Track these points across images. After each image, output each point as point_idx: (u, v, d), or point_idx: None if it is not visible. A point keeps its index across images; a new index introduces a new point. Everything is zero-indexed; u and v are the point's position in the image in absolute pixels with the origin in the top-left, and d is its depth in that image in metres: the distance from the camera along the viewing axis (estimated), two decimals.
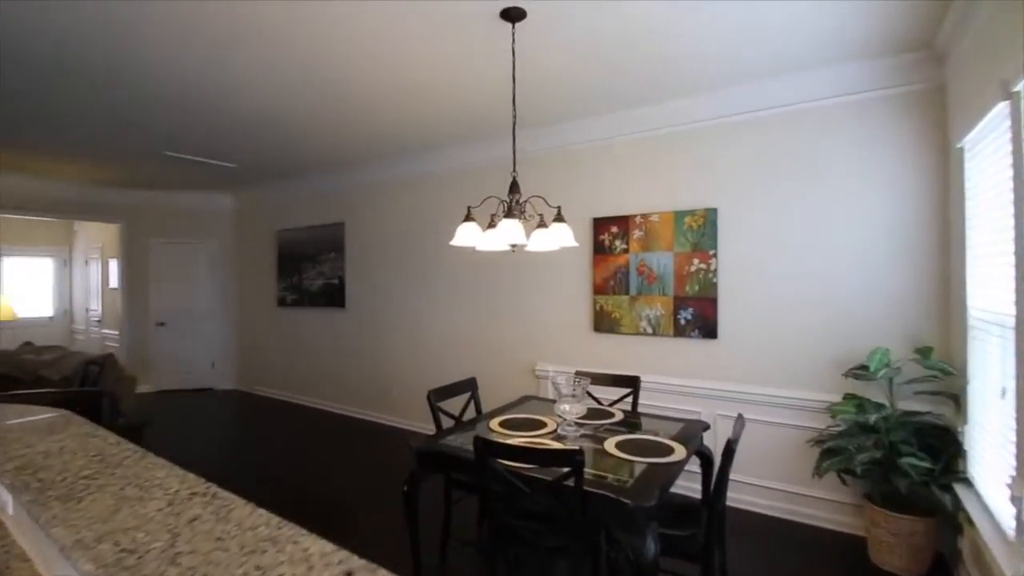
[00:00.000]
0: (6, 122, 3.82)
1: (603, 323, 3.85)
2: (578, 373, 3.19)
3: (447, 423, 2.75)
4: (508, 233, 2.22)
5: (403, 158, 4.92)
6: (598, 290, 3.88)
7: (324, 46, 2.65)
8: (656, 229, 3.62)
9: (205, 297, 6.88)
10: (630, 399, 3.04)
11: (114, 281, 6.82)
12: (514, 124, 2.43)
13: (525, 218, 2.42)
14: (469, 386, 3.08)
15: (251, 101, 3.44)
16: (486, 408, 3.11)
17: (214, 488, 1.03)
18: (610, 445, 2.25)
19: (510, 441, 2.28)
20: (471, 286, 4.60)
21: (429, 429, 4.45)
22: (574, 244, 2.44)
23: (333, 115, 3.74)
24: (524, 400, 3.11)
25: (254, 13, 2.32)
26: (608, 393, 3.18)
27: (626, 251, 3.74)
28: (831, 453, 2.72)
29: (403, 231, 5.11)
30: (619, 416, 2.73)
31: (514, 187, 2.43)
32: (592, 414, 2.71)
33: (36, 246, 7.67)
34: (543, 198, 2.50)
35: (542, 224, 2.50)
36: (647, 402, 3.46)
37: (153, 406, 6.05)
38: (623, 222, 3.75)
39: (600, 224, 3.86)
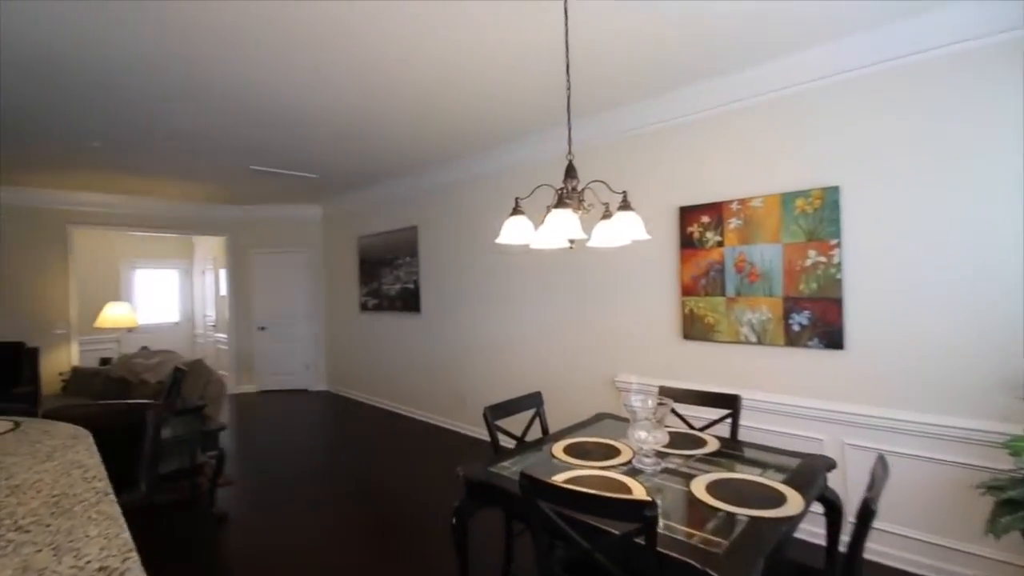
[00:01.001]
0: (124, 150, 4.17)
1: (694, 329, 3.31)
2: (662, 391, 2.72)
3: (508, 443, 2.42)
4: (559, 226, 1.84)
5: (471, 155, 4.70)
6: (687, 291, 3.33)
7: (393, 44, 2.46)
8: (758, 216, 3.01)
9: (300, 303, 7.24)
10: (728, 423, 2.50)
11: (223, 289, 7.41)
12: (568, 92, 2.04)
13: (584, 208, 2.03)
14: (533, 401, 2.73)
15: (326, 110, 3.46)
16: (556, 426, 2.74)
17: (128, 565, 0.79)
18: (699, 487, 1.78)
19: (572, 474, 1.90)
20: (544, 289, 4.25)
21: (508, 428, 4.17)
22: (645, 237, 2.00)
23: (404, 116, 3.63)
24: (598, 419, 2.70)
25: (325, 15, 2.19)
26: (699, 412, 2.66)
27: (720, 244, 3.17)
28: (1014, 506, 1.98)
29: (472, 233, 4.90)
30: (713, 445, 2.23)
31: (570, 172, 2.04)
32: (678, 440, 2.24)
33: (163, 259, 8.62)
34: (604, 183, 2.08)
35: (608, 215, 2.09)
36: (750, 425, 2.87)
37: (254, 405, 6.46)
38: (715, 210, 3.19)
39: (688, 214, 3.32)
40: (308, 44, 2.56)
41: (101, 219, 6.09)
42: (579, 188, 2.08)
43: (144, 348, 5.38)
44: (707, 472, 1.93)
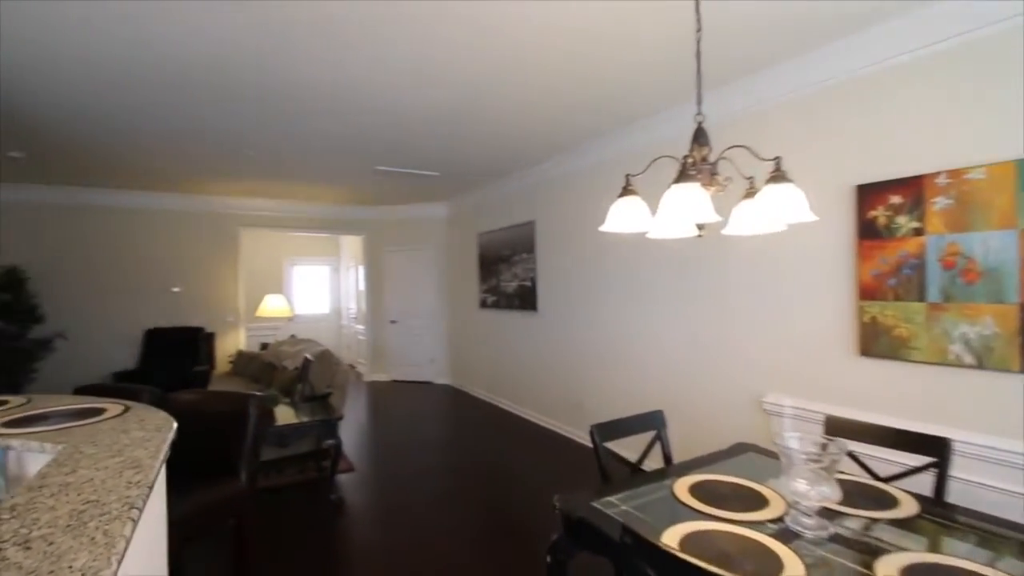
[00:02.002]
0: (272, 157, 4.60)
1: (877, 343, 2.55)
2: (830, 424, 2.09)
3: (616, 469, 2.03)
4: (684, 206, 1.41)
5: (589, 141, 4.31)
6: (867, 293, 2.58)
7: (513, 27, 2.25)
8: (978, 193, 2.18)
9: (426, 298, 7.50)
10: (930, 475, 1.81)
11: (362, 284, 8.00)
12: (698, 17, 1.58)
13: (719, 184, 1.56)
14: (653, 422, 2.29)
15: (445, 107, 3.43)
16: (683, 454, 2.27)
17: None
18: (889, 570, 1.22)
19: (698, 526, 1.46)
20: (674, 288, 3.70)
21: (620, 450, 3.74)
22: (809, 218, 1.47)
23: (521, 104, 3.44)
24: (738, 451, 2.17)
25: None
26: (883, 454, 1.99)
27: (919, 231, 2.38)
28: None
29: (590, 225, 4.50)
30: (909, 506, 1.60)
31: (699, 137, 1.59)
32: (854, 493, 1.65)
33: (316, 256, 9.63)
34: (748, 148, 1.58)
35: (752, 192, 1.60)
36: (964, 478, 2.09)
37: (384, 393, 6.83)
38: (911, 187, 2.40)
39: (869, 194, 2.57)
40: (431, 38, 2.43)
41: (265, 221, 6.92)
42: (711, 158, 1.62)
43: (292, 336, 5.96)
44: (900, 548, 1.35)
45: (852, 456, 1.91)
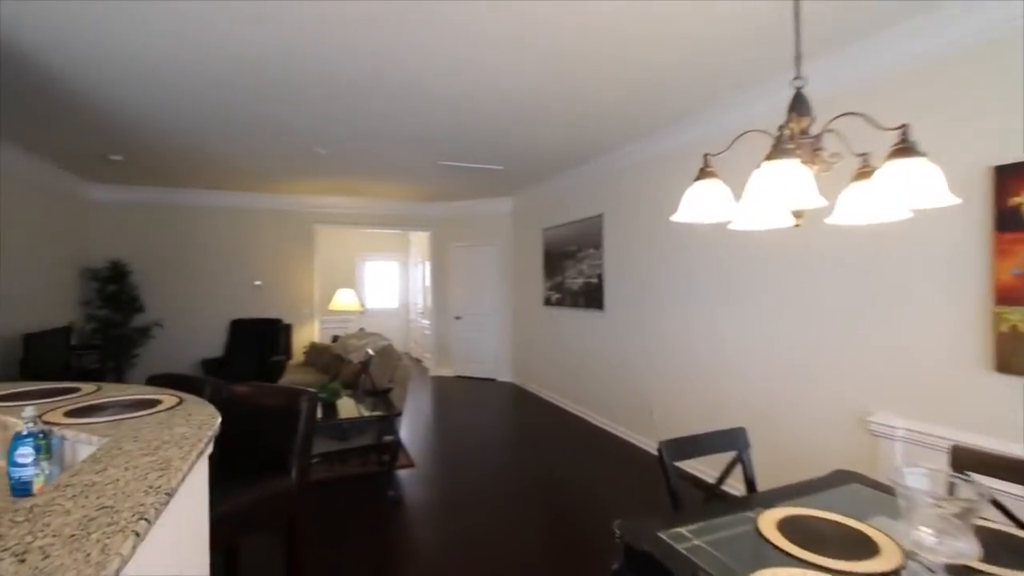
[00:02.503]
0: (341, 154, 4.71)
1: (1017, 357, 2.08)
2: (958, 455, 1.72)
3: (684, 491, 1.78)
4: (779, 187, 1.15)
5: (665, 126, 3.99)
6: (1006, 296, 2.12)
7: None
8: None
9: (490, 295, 7.44)
10: None
11: (428, 280, 8.10)
12: None
13: (824, 161, 1.28)
14: (734, 441, 2.01)
15: (510, 96, 3.32)
16: (769, 480, 1.98)
17: None
18: None
19: (791, 574, 1.20)
20: (760, 286, 3.32)
21: (694, 471, 3.42)
22: (948, 200, 1.16)
23: (589, 92, 3.25)
24: (839, 479, 1.84)
25: None
26: None
27: None
28: None
29: (662, 218, 4.18)
30: None
31: (798, 105, 1.32)
32: (996, 549, 1.31)
33: (386, 252, 9.90)
34: (865, 116, 1.28)
35: (867, 172, 1.30)
36: None
37: (448, 389, 6.86)
38: None
39: (1011, 176, 2.10)
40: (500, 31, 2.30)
41: (337, 218, 7.17)
42: (812, 130, 1.34)
43: (361, 330, 6.10)
44: None
45: (999, 505, 1.53)
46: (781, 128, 1.32)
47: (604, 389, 5.03)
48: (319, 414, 3.35)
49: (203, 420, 1.52)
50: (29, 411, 1.41)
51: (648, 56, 2.77)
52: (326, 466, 3.94)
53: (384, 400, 3.77)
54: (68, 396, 1.83)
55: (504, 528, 3.03)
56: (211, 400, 2.30)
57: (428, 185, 6.29)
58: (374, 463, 3.86)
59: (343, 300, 7.37)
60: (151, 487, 1.04)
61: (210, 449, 1.51)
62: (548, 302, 6.18)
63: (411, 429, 5.01)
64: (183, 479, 1.14)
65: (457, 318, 7.62)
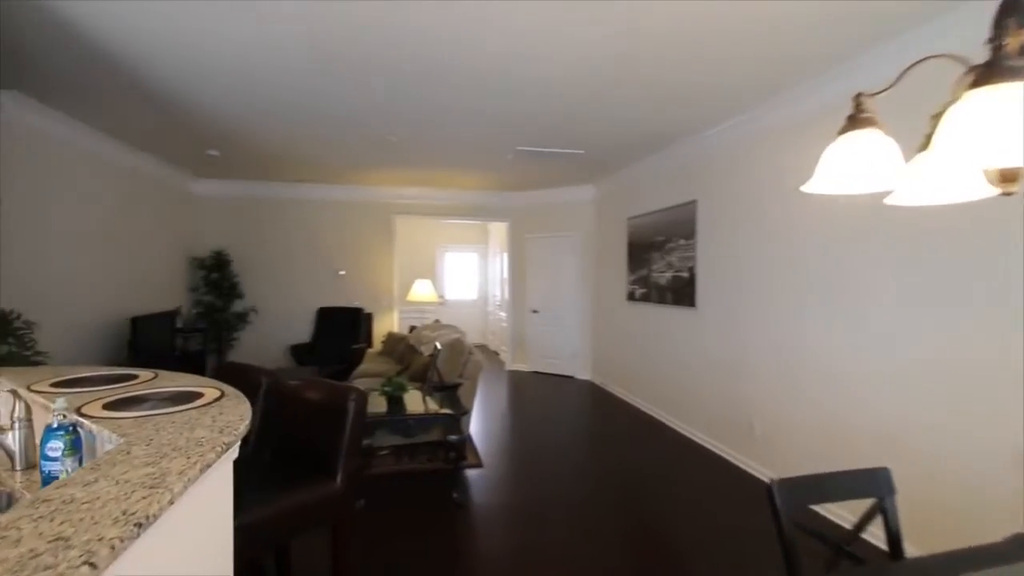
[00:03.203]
0: (414, 141, 4.61)
1: None
2: None
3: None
4: (989, 127, 0.72)
5: (774, 96, 3.39)
6: None
7: None
8: None
9: (568, 288, 7.09)
10: None
11: (506, 272, 7.91)
12: None
13: None
14: (872, 485, 1.53)
15: (591, 71, 3.01)
16: (923, 539, 1.49)
17: None
18: None
19: None
20: (904, 279, 2.69)
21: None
22: None
23: (681, 63, 2.84)
24: (1020, 546, 1.32)
25: None
26: None
27: None
28: None
29: (769, 200, 3.58)
30: None
31: (1015, 8, 0.85)
32: None
33: (466, 243, 9.88)
34: None
35: None
36: None
37: (523, 384, 6.64)
38: None
39: None
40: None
41: (417, 208, 7.18)
42: None
43: (436, 321, 6.04)
44: None
45: None
46: (993, 43, 0.86)
47: (694, 395, 4.50)
48: (385, 408, 3.24)
49: (228, 423, 1.36)
50: (60, 402, 1.33)
51: (758, 8, 2.27)
52: (394, 459, 3.86)
53: (451, 396, 3.60)
54: (121, 384, 1.80)
55: (577, 543, 2.74)
56: (266, 394, 2.23)
57: (506, 173, 6.06)
58: (443, 459, 3.70)
59: (419, 291, 7.40)
60: (125, 513, 0.86)
61: (234, 453, 1.36)
62: (631, 297, 5.71)
63: (483, 425, 4.84)
64: (172, 501, 0.96)
65: (534, 311, 7.36)
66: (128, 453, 1.14)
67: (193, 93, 3.50)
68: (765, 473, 3.58)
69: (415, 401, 3.50)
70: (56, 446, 1.30)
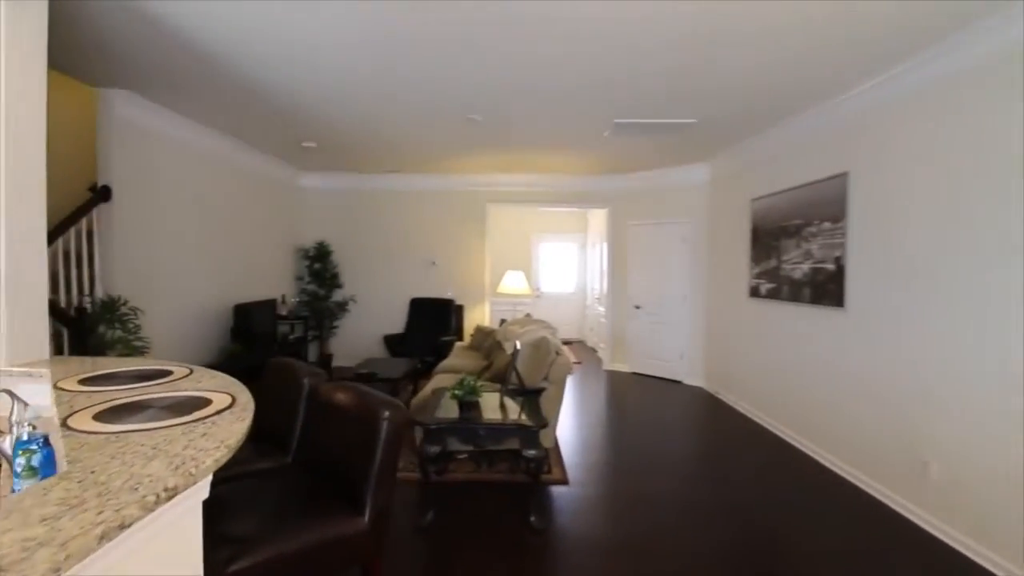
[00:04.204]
0: (500, 120, 4.23)
1: None
2: None
3: None
4: None
5: (970, 22, 2.43)
6: None
7: None
8: None
9: (677, 281, 6.29)
10: None
11: (605, 263, 7.28)
12: None
13: None
14: None
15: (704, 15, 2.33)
16: None
17: None
18: None
19: None
20: None
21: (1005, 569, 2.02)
22: None
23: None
24: None
25: None
26: None
27: None
28: None
29: (965, 174, 2.61)
30: None
31: None
32: None
33: (564, 233, 9.35)
34: None
35: None
36: None
37: (623, 387, 6.02)
38: None
39: None
40: None
41: (509, 196, 6.84)
42: None
43: (527, 315, 5.65)
44: None
45: None
46: None
47: (840, 418, 3.59)
48: (456, 411, 2.90)
49: (197, 454, 1.05)
50: (28, 411, 1.13)
51: None
52: (473, 465, 3.55)
53: (533, 403, 3.16)
54: (149, 382, 1.62)
55: None
56: (308, 398, 1.97)
57: (604, 153, 5.45)
58: (524, 471, 3.30)
59: (510, 283, 7.06)
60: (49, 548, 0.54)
61: (201, 493, 1.04)
62: (756, 293, 4.81)
63: (573, 433, 4.35)
64: None
65: (636, 307, 6.65)
66: (44, 494, 0.86)
67: (282, 83, 3.47)
68: (944, 530, 2.67)
69: (490, 407, 3.13)
70: (19, 463, 1.08)
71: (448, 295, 6.68)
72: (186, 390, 1.53)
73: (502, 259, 8.58)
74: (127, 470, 0.96)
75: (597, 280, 8.24)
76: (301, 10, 2.47)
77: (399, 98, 3.71)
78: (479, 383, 3.01)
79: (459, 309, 6.60)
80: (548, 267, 9.38)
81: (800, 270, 4.09)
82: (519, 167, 6.23)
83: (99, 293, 3.48)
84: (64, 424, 1.21)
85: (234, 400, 1.43)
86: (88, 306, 3.26)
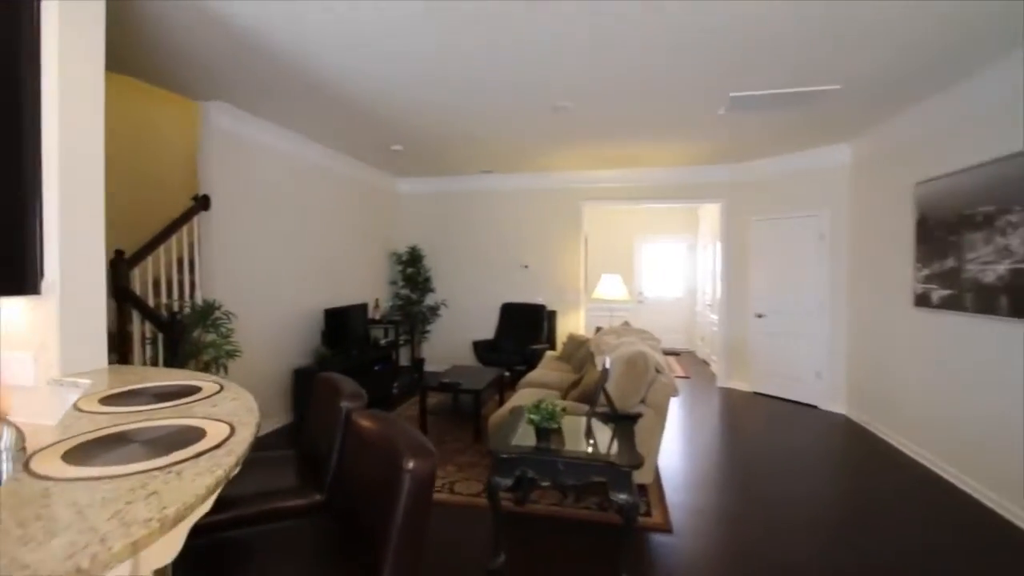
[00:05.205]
0: (591, 106, 3.78)
1: None
2: None
3: None
4: None
5: None
6: None
7: None
8: None
9: (811, 286, 5.29)
10: None
11: (719, 265, 6.42)
12: None
13: None
14: None
15: None
16: None
17: None
18: None
19: None
20: None
21: None
22: None
23: None
24: None
25: None
26: None
27: None
28: None
29: None
30: None
31: None
32: None
33: (670, 233, 8.50)
34: None
35: None
36: None
37: (741, 409, 5.19)
38: None
39: None
40: None
41: (607, 193, 6.29)
42: None
43: (624, 324, 5.08)
44: None
45: None
46: None
47: None
48: (534, 438, 2.49)
49: (121, 531, 0.76)
50: None
51: None
52: (556, 495, 3.12)
53: (624, 434, 2.64)
54: (176, 401, 1.46)
55: None
56: (345, 425, 1.69)
57: (715, 139, 4.72)
58: (616, 511, 2.80)
59: (606, 288, 6.48)
60: None
61: None
62: (924, 302, 3.78)
63: (677, 464, 3.73)
64: None
65: (759, 315, 5.73)
66: None
67: (365, 86, 3.42)
68: None
69: (576, 433, 2.67)
70: None
71: (540, 300, 6.31)
72: (194, 416, 1.31)
73: (601, 262, 8.03)
74: (9, 552, 0.70)
75: (709, 284, 7.33)
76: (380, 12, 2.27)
77: (485, 86, 3.42)
78: (560, 407, 2.57)
79: (551, 315, 6.20)
80: (652, 270, 8.60)
81: (992, 272, 3.07)
82: (617, 161, 5.68)
83: (199, 298, 3.62)
84: (26, 465, 1.02)
85: (231, 433, 1.17)
86: (178, 310, 3.40)
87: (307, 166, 4.81)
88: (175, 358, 3.03)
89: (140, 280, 3.28)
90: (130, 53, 2.92)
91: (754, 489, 3.33)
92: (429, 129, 4.46)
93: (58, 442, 1.11)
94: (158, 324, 3.05)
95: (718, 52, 2.88)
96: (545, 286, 6.41)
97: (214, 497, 0.99)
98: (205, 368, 3.31)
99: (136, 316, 3.13)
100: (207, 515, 1.42)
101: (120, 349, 3.13)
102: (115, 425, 1.24)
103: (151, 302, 3.55)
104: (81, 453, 1.06)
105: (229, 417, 1.31)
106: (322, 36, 2.71)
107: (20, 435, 1.25)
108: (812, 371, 5.28)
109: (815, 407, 5.22)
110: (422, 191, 6.75)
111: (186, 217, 3.55)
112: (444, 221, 6.73)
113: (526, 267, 6.47)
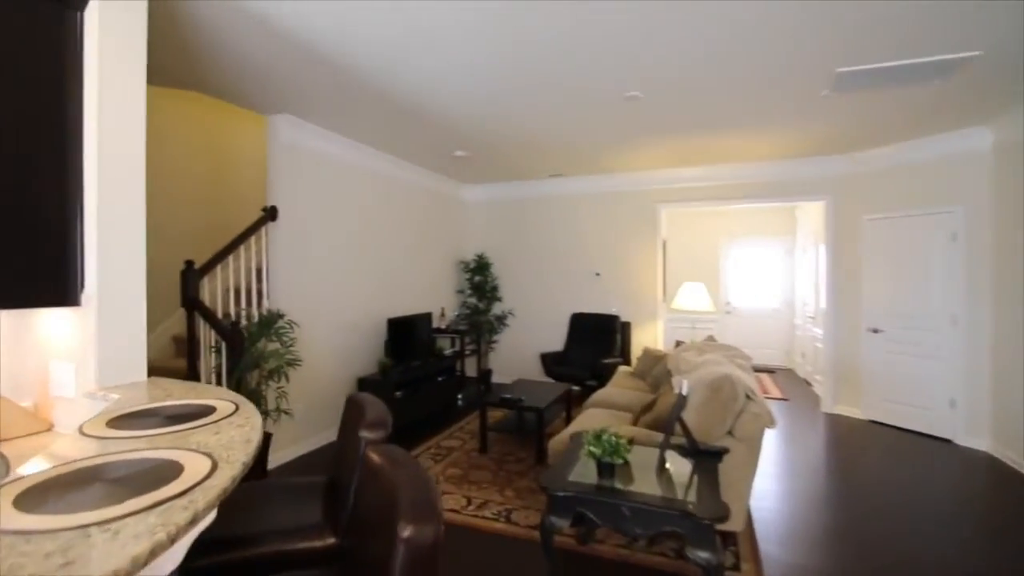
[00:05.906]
0: (663, 97, 3.39)
1: None
2: None
3: None
4: None
5: None
6: None
7: None
8: None
9: (941, 296, 4.43)
10: None
11: (823, 271, 5.62)
12: None
13: None
14: None
15: None
16: None
17: None
18: None
19: None
20: None
21: None
22: None
23: None
24: None
25: None
26: None
27: None
28: None
29: None
30: None
31: None
32: None
33: (764, 236, 7.66)
34: None
35: None
36: None
37: (853, 441, 4.44)
38: None
39: None
40: None
41: (686, 194, 5.75)
42: None
43: (709, 338, 4.55)
44: None
45: None
46: None
47: None
48: (597, 475, 2.16)
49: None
50: None
51: None
52: (620, 537, 2.73)
53: (706, 474, 2.22)
54: (191, 423, 1.34)
55: None
56: (362, 461, 1.48)
57: (815, 126, 4.09)
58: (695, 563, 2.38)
59: (687, 298, 5.90)
60: None
61: None
62: None
63: (774, 506, 3.18)
64: None
65: (874, 330, 4.91)
66: None
67: (425, 90, 3.33)
68: None
69: (646, 469, 2.30)
70: None
71: (613, 311, 5.88)
72: (186, 446, 1.16)
73: (682, 269, 7.42)
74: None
75: (811, 293, 6.48)
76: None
77: (555, 79, 3.16)
78: (626, 439, 2.21)
79: (625, 327, 5.75)
80: (742, 278, 7.80)
81: None
82: (697, 158, 5.16)
83: (265, 307, 3.68)
84: None
85: (208, 474, 0.99)
86: (239, 319, 3.46)
87: (371, 175, 4.82)
88: (236, 367, 3.06)
89: (209, 289, 3.37)
90: (206, 72, 3.01)
91: (873, 545, 2.72)
92: (495, 132, 4.27)
93: (20, 478, 0.99)
94: (221, 333, 3.10)
95: (819, 15, 2.39)
96: (618, 295, 5.98)
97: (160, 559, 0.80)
98: (268, 377, 3.32)
99: (203, 324, 3.21)
100: (217, 553, 1.27)
101: (189, 355, 3.22)
102: (99, 456, 1.10)
103: (231, 310, 3.66)
104: (38, 494, 0.92)
105: (221, 450, 1.14)
106: (395, 49, 2.70)
107: (5, 464, 1.17)
108: (945, 398, 4.41)
109: (950, 441, 4.34)
110: (488, 197, 6.61)
111: (255, 228, 3.63)
112: (511, 227, 6.53)
113: (598, 275, 6.08)
